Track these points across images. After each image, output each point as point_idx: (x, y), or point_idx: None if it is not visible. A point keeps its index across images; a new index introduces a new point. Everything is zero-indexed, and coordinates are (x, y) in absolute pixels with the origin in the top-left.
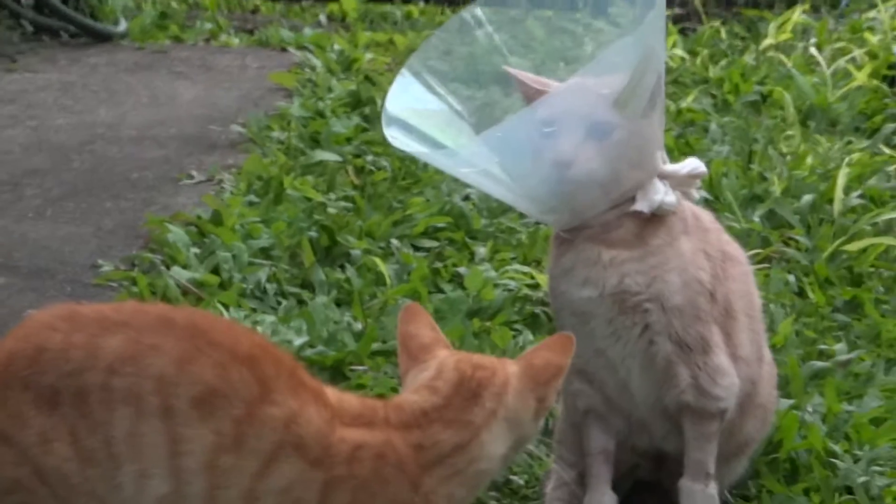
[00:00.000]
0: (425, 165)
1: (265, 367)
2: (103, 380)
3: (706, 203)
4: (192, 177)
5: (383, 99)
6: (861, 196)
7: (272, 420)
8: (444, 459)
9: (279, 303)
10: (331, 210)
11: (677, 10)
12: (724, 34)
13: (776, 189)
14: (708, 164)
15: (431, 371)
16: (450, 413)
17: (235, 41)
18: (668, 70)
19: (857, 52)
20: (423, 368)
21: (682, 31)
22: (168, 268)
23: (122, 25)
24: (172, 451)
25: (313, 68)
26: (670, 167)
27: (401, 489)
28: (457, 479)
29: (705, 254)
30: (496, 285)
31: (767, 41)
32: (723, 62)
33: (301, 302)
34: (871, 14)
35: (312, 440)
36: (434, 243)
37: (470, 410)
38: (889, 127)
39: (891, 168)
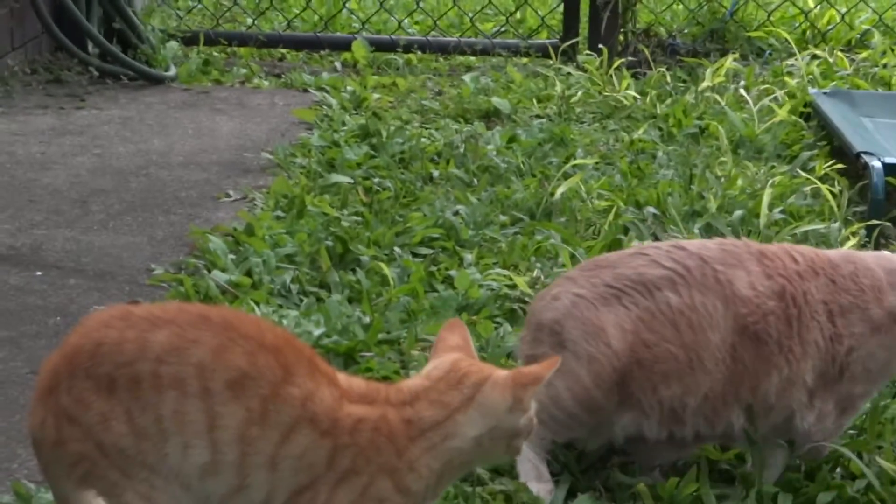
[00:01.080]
0: (423, 186)
1: (287, 355)
2: (152, 368)
3: (654, 217)
4: (229, 196)
5: (388, 132)
6: (782, 212)
7: (292, 398)
8: (425, 433)
9: (301, 300)
10: (344, 223)
11: (630, 58)
12: (669, 78)
13: (712, 206)
14: (655, 185)
15: (435, 363)
16: (433, 394)
17: (266, 83)
18: (622, 107)
19: (779, 93)
20: (433, 362)
21: (635, 76)
22: (209, 271)
23: (172, 71)
24: (211, 425)
25: (330, 106)
26: None
27: (390, 456)
28: (433, 451)
29: None
30: (481, 286)
31: (705, 83)
32: (668, 101)
33: (319, 300)
34: (791, 61)
35: (323, 415)
36: (429, 251)
37: (450, 394)
38: (805, 155)
39: (807, 189)
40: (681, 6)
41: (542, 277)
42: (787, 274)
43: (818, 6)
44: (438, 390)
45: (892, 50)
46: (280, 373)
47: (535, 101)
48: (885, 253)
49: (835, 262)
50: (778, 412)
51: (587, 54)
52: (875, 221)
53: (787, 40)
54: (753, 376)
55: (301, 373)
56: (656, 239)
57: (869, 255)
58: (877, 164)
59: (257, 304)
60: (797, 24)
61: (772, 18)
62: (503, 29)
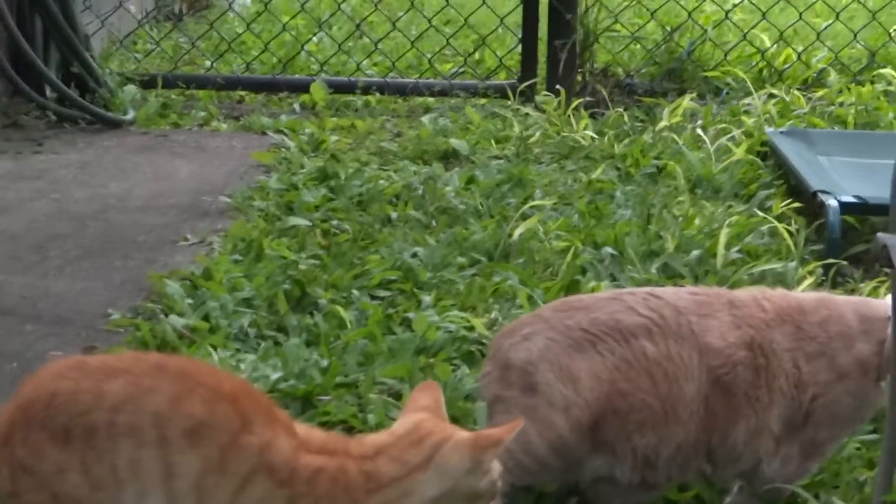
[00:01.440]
0: (381, 228)
1: (244, 404)
2: (108, 417)
3: (612, 258)
4: (187, 239)
5: (346, 174)
6: (739, 251)
7: (250, 447)
8: (383, 488)
9: (259, 344)
10: (302, 266)
11: (588, 99)
12: (626, 118)
13: (670, 246)
14: (613, 225)
15: (401, 421)
16: (395, 451)
17: (224, 126)
18: (580, 147)
19: (736, 132)
20: (400, 420)
21: (592, 116)
22: (166, 315)
23: (131, 114)
24: (167, 474)
25: (288, 148)
26: None
27: None
28: None
29: None
30: (439, 328)
31: (662, 123)
32: (626, 140)
33: (277, 343)
34: (747, 100)
35: (281, 464)
36: (387, 293)
37: (410, 452)
38: (762, 194)
39: (764, 228)
40: (638, 46)
41: (500, 319)
42: (755, 323)
43: (775, 45)
44: (400, 447)
45: (849, 89)
46: (238, 421)
47: (493, 141)
48: (869, 299)
49: (805, 308)
50: (746, 460)
51: (545, 95)
52: (832, 260)
53: (743, 79)
54: (723, 426)
55: (259, 422)
56: (614, 279)
57: (846, 302)
58: (833, 202)
59: (215, 348)
60: (754, 64)
61: (729, 58)
62: (461, 70)
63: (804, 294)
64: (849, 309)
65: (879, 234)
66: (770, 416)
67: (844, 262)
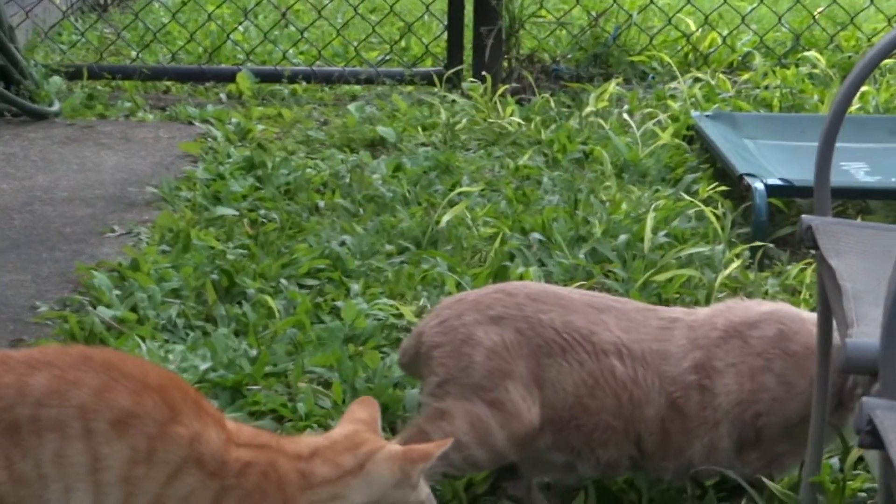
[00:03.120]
0: (309, 217)
1: (172, 395)
2: (32, 412)
3: (540, 244)
4: (114, 231)
5: (273, 163)
6: (666, 235)
7: (179, 437)
8: (314, 487)
9: (187, 334)
10: (230, 256)
11: (514, 85)
12: (553, 104)
13: (598, 230)
14: (541, 211)
15: (338, 429)
16: (329, 454)
17: (150, 117)
18: (507, 133)
19: (662, 117)
20: (337, 428)
21: (519, 102)
22: (94, 307)
23: (56, 106)
24: (93, 467)
25: (215, 138)
26: None
27: (276, 502)
28: None
29: None
30: (367, 316)
31: (589, 108)
32: (552, 126)
33: (206, 333)
34: (673, 84)
35: (210, 456)
36: (316, 282)
37: (344, 456)
38: (689, 178)
39: (690, 211)
40: (564, 32)
41: (429, 306)
42: (705, 343)
43: (700, 29)
44: (335, 451)
45: (774, 72)
46: (166, 412)
47: (420, 129)
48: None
49: (756, 322)
50: (706, 472)
51: (471, 81)
52: (759, 243)
53: (669, 64)
54: (679, 444)
55: (188, 413)
56: (542, 265)
57: (808, 317)
58: (759, 185)
59: (143, 339)
60: (679, 48)
61: (654, 42)
62: (388, 58)
63: (764, 305)
64: (806, 326)
65: (804, 216)
66: (721, 433)
67: (771, 245)
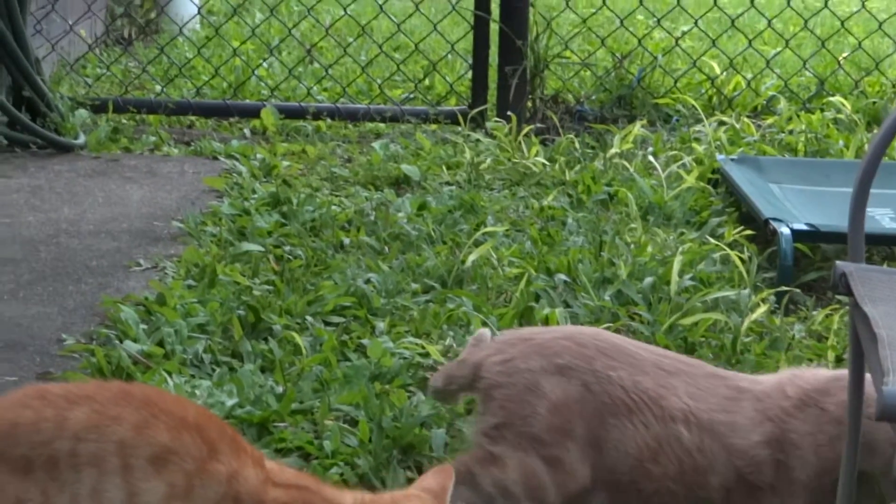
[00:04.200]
0: (334, 254)
1: (211, 432)
2: (70, 447)
3: (565, 285)
4: (140, 265)
5: (298, 199)
6: (692, 278)
7: (217, 475)
8: None
9: (214, 370)
10: (255, 292)
11: (539, 125)
12: (577, 145)
13: (623, 273)
14: (566, 252)
15: (398, 490)
16: None
17: (175, 151)
18: (531, 174)
19: (687, 159)
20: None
21: (543, 142)
22: (121, 341)
23: (81, 139)
24: (130, 502)
25: (240, 174)
26: None
27: None
28: None
29: None
30: (393, 354)
31: (613, 150)
32: (577, 167)
33: (232, 369)
34: (698, 127)
35: (247, 494)
36: (341, 319)
37: None
38: (714, 221)
39: (716, 255)
40: (588, 73)
41: (455, 346)
42: (778, 415)
43: (724, 72)
44: None
45: (798, 116)
46: (205, 449)
47: (444, 167)
48: None
49: (825, 389)
50: None
51: (496, 121)
52: (784, 287)
53: (693, 106)
54: None
55: (226, 451)
56: (568, 306)
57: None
58: (785, 230)
59: (170, 374)
60: (703, 91)
61: (678, 85)
62: (412, 96)
63: (826, 371)
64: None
65: (838, 262)
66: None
67: (797, 290)
